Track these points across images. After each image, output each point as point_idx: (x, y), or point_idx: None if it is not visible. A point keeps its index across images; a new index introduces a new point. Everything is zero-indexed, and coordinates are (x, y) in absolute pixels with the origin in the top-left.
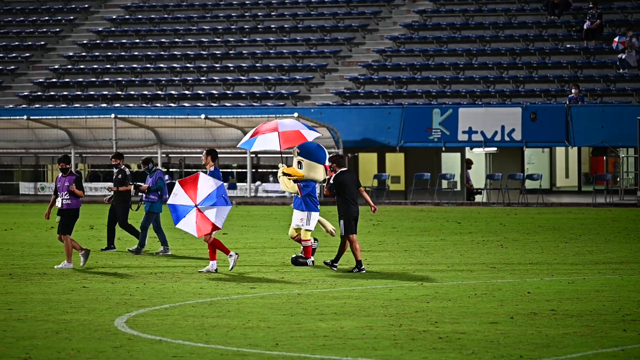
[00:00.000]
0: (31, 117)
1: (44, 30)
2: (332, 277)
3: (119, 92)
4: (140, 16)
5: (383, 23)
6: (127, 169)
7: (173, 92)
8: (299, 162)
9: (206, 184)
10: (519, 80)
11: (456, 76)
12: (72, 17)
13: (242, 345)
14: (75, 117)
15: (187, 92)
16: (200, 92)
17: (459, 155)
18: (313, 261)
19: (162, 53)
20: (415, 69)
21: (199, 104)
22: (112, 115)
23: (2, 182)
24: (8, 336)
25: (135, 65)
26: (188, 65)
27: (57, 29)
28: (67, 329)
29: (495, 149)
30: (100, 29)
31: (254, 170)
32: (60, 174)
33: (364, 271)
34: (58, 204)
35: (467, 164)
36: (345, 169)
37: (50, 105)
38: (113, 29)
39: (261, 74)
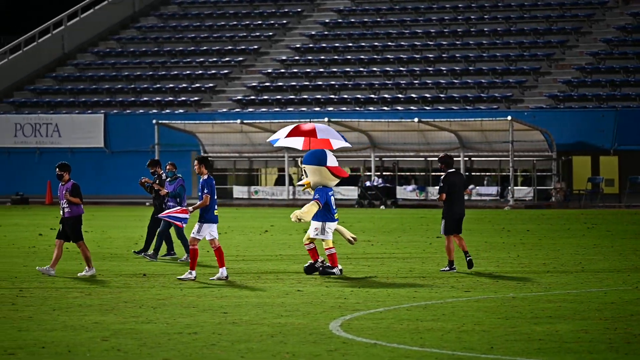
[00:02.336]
0: (244, 121)
1: (257, 34)
2: (546, 281)
3: (332, 96)
4: (352, 20)
5: (596, 25)
6: (163, 175)
7: (386, 95)
8: (304, 170)
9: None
10: None
11: None
12: (285, 22)
13: (456, 348)
14: (288, 120)
15: (400, 95)
16: (413, 95)
17: None
18: (341, 269)
19: (375, 56)
20: (629, 72)
21: (412, 108)
22: (326, 119)
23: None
24: (223, 340)
25: (348, 69)
26: (401, 68)
27: (271, 33)
28: (282, 333)
29: None
30: (313, 32)
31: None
32: (60, 183)
33: (455, 270)
34: (61, 212)
35: None
36: (454, 169)
37: (263, 109)
38: (326, 32)
39: (474, 77)
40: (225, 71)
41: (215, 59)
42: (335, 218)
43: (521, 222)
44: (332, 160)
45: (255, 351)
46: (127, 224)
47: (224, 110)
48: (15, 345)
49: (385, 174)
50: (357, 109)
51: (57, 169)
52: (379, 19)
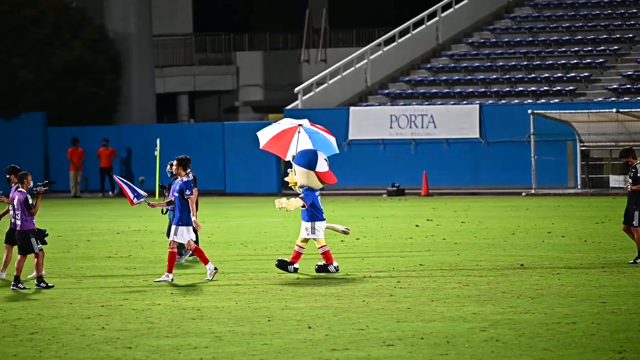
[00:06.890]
0: (620, 110)
1: (632, 22)
2: None
3: None
4: None
5: None
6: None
7: None
8: (294, 169)
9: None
10: None
11: None
12: None
13: None
14: None
15: None
16: None
17: None
18: (337, 266)
19: None
20: None
21: None
22: None
23: (592, 176)
24: (602, 329)
25: None
26: None
27: None
28: None
29: None
30: None
31: None
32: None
33: None
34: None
35: None
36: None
37: (639, 98)
38: None
39: None
40: (600, 60)
41: (590, 48)
42: (324, 217)
43: None
44: (322, 165)
45: (634, 341)
46: (503, 214)
47: (599, 99)
48: (394, 336)
49: None
50: None
51: (15, 174)
52: None
